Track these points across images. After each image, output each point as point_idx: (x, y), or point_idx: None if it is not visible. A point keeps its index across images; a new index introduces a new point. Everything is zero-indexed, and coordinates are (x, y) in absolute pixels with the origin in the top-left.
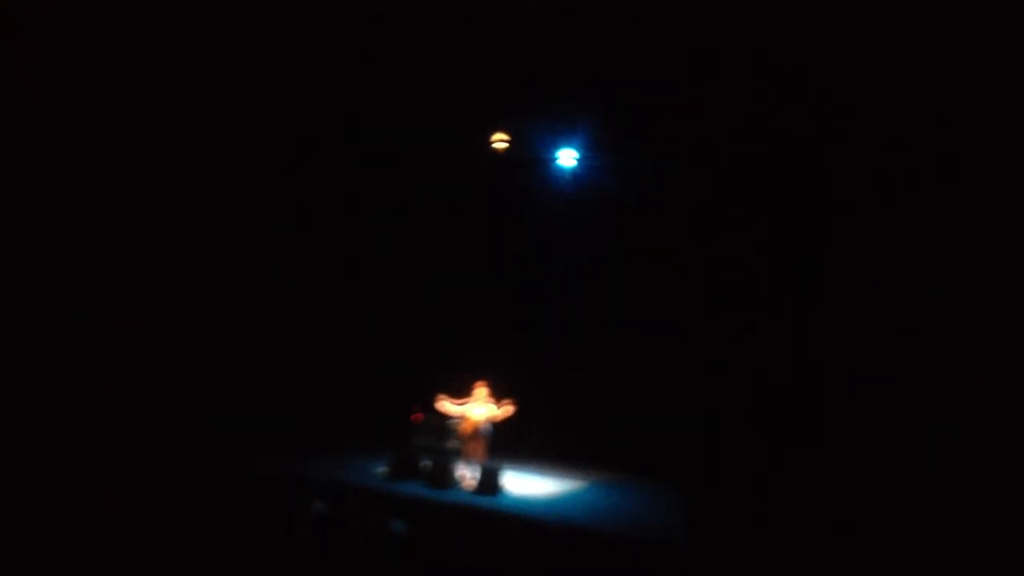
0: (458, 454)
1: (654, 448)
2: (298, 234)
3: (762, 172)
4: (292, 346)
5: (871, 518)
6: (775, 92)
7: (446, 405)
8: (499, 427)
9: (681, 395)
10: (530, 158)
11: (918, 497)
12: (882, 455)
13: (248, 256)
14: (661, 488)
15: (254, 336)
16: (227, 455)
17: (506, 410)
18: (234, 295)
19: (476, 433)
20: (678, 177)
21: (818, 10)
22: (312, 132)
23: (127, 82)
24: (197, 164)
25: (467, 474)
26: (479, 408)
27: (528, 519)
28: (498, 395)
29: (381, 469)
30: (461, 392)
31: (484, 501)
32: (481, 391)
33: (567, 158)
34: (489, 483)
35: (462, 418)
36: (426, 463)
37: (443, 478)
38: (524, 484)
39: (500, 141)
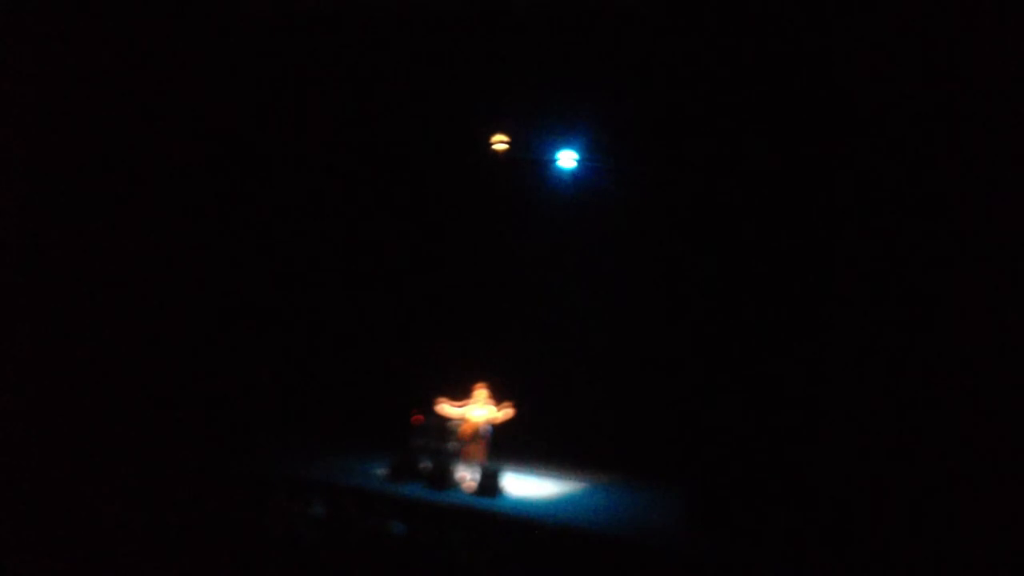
0: (458, 456)
1: (654, 450)
2: (298, 234)
3: (763, 173)
4: (292, 347)
5: (871, 519)
6: (776, 92)
7: (446, 407)
8: (499, 429)
9: (680, 396)
10: (530, 160)
11: (918, 497)
12: (882, 455)
13: (248, 257)
14: (661, 490)
15: (254, 337)
16: (227, 456)
17: (506, 412)
18: (234, 295)
19: (476, 435)
20: (678, 178)
21: (819, 10)
22: (312, 133)
23: (126, 82)
24: (197, 164)
25: (467, 476)
26: (479, 410)
27: (528, 521)
28: (498, 397)
29: (381, 470)
30: (461, 394)
31: (484, 503)
32: (481, 393)
33: (567, 160)
34: (489, 485)
35: (462, 420)
36: (426, 464)
37: (443, 480)
38: (524, 486)
39: (500, 143)
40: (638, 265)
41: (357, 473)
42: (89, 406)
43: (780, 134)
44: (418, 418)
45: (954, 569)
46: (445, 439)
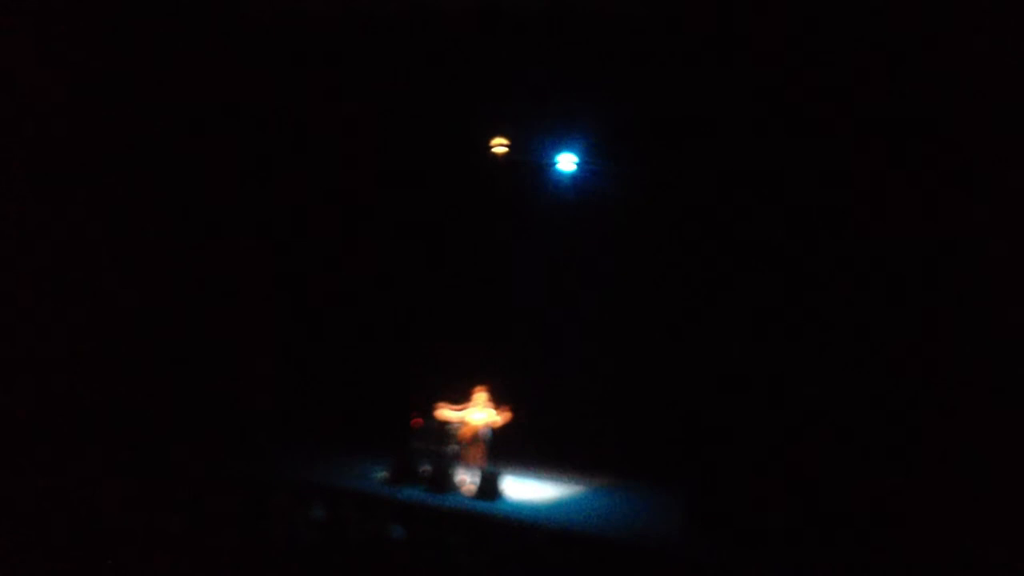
0: (457, 459)
1: (654, 453)
2: (298, 238)
3: (763, 174)
4: (292, 351)
5: (871, 519)
6: (777, 93)
7: (445, 410)
8: (498, 432)
9: (680, 399)
10: (530, 163)
11: (918, 497)
12: (882, 455)
13: (248, 260)
14: (660, 493)
15: (254, 340)
16: (227, 460)
17: (505, 415)
18: (234, 299)
19: (475, 438)
20: (677, 181)
21: (819, 10)
22: (312, 134)
23: (126, 82)
24: (198, 165)
25: (466, 479)
26: (478, 413)
27: (528, 524)
28: (497, 400)
29: (381, 474)
30: (460, 397)
31: (484, 506)
32: (480, 396)
33: (567, 162)
34: (489, 488)
35: (461, 423)
36: (426, 468)
37: (443, 483)
38: (524, 489)
39: (500, 146)
40: (637, 267)
41: (357, 476)
42: (89, 407)
43: (780, 135)
44: (418, 421)
45: (954, 569)
46: (445, 442)
